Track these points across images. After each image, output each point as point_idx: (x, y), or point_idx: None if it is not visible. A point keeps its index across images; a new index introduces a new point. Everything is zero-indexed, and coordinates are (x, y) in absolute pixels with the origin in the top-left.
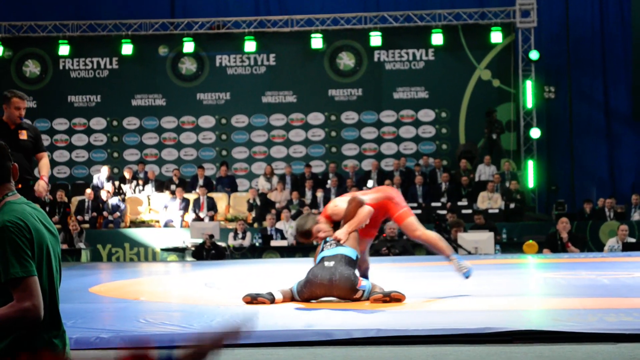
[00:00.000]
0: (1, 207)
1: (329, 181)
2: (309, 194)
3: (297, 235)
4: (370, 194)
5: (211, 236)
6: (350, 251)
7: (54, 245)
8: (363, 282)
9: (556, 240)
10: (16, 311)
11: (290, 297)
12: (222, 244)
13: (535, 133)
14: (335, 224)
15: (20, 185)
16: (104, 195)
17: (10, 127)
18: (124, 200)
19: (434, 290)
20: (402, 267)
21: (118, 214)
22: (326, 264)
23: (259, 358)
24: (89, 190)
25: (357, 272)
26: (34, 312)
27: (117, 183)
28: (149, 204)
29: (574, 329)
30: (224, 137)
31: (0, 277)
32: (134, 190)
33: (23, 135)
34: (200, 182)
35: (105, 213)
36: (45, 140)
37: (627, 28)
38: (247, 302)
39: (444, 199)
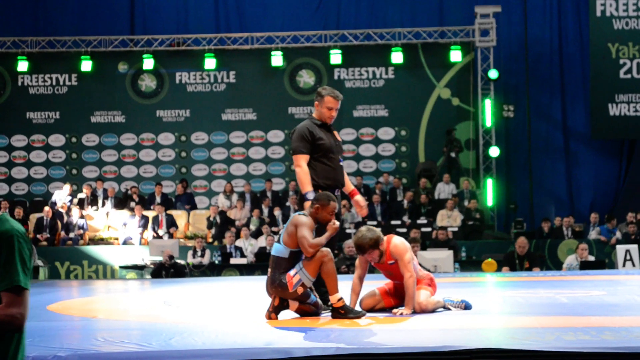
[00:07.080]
0: None
1: (288, 199)
2: (265, 212)
3: (358, 244)
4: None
5: (171, 257)
6: (279, 249)
7: None
8: (294, 277)
9: (514, 259)
10: (5, 315)
11: None
12: (182, 262)
13: (494, 152)
14: None
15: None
16: (75, 214)
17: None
18: (83, 217)
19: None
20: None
21: (81, 231)
22: (269, 271)
23: None
24: (47, 208)
25: (291, 272)
26: (20, 321)
27: (75, 200)
28: (108, 221)
29: (532, 347)
30: (183, 154)
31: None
32: (93, 207)
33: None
34: (158, 199)
35: (63, 233)
36: (3, 157)
37: (585, 47)
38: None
39: (405, 217)
